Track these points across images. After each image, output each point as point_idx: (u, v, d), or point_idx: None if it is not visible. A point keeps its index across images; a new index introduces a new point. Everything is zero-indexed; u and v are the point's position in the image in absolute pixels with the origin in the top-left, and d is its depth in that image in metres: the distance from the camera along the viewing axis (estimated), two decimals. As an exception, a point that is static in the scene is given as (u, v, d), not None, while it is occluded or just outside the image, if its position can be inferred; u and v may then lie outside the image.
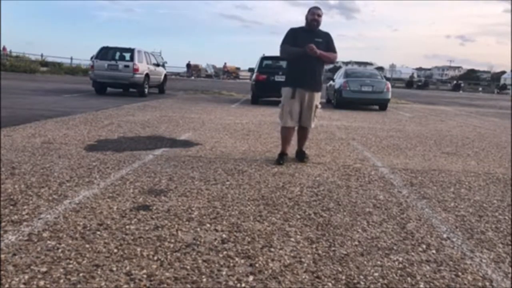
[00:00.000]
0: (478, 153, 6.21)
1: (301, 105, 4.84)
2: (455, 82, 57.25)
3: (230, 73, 49.29)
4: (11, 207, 2.90)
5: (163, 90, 16.92)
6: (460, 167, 5.10)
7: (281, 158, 4.84)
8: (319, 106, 5.02)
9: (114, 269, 2.12)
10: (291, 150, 5.18)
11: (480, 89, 56.55)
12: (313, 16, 4.75)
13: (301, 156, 4.96)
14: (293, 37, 4.81)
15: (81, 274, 2.05)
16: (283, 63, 10.13)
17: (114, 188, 3.47)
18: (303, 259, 2.35)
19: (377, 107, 14.13)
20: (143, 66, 14.38)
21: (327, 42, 4.85)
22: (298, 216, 3.05)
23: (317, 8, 4.82)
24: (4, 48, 32.33)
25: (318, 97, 4.94)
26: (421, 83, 55.43)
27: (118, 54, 14.63)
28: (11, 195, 3.15)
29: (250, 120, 8.96)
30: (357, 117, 10.86)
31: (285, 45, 4.83)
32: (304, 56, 4.65)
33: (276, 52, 5.15)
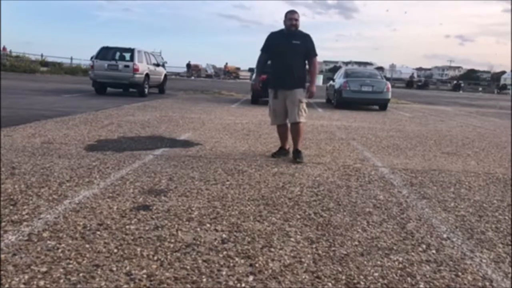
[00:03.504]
0: (478, 153, 6.21)
1: (285, 103, 4.99)
2: (455, 82, 57.27)
3: (230, 73, 49.29)
4: (11, 207, 2.90)
5: (163, 90, 16.92)
6: (460, 167, 5.10)
7: (276, 153, 5.16)
8: (304, 101, 5.04)
9: (114, 269, 2.12)
10: (291, 149, 5.19)
11: (480, 89, 56.52)
12: (291, 21, 4.91)
13: (295, 155, 4.91)
14: (270, 42, 5.06)
15: (81, 274, 2.05)
16: None
17: (114, 188, 3.47)
18: (303, 259, 2.35)
19: (377, 107, 14.13)
20: (143, 66, 14.38)
21: (305, 44, 4.95)
22: (298, 216, 3.05)
23: (292, 12, 4.96)
24: (4, 48, 32.31)
25: (301, 93, 4.99)
26: (421, 83, 55.44)
27: (118, 54, 14.63)
28: (11, 195, 3.15)
29: (250, 120, 8.96)
30: (357, 117, 10.86)
31: (259, 57, 5.17)
32: (283, 56, 4.90)
33: None
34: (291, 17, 4.91)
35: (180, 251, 2.37)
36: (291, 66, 4.90)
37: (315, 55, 5.06)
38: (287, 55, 4.91)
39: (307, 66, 5.11)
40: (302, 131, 5.14)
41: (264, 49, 5.11)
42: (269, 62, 5.23)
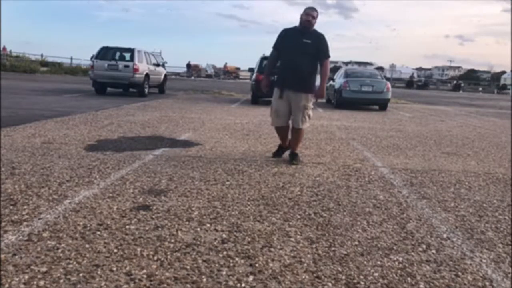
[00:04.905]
0: (478, 153, 6.21)
1: (290, 105, 4.84)
2: (455, 82, 57.24)
3: (230, 73, 49.30)
4: (11, 207, 2.90)
5: (163, 90, 16.92)
6: (460, 167, 5.10)
7: (277, 152, 5.13)
8: (310, 106, 4.86)
9: (114, 269, 2.12)
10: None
11: (480, 89, 56.53)
12: (307, 17, 4.69)
13: (291, 158, 4.84)
14: (281, 39, 4.88)
15: (81, 274, 2.05)
16: None
17: (114, 188, 3.47)
18: (303, 259, 2.35)
19: (377, 107, 14.13)
20: (143, 66, 14.38)
21: (317, 45, 4.72)
22: (298, 216, 3.05)
23: (312, 9, 4.76)
24: (4, 48, 32.31)
25: (306, 98, 4.79)
26: (421, 83, 55.43)
27: (118, 54, 14.64)
28: (11, 195, 3.15)
29: (250, 120, 8.96)
30: (357, 117, 10.86)
31: (270, 54, 5.04)
32: (290, 54, 4.74)
33: None
34: (307, 13, 4.68)
35: (180, 251, 2.37)
36: (297, 65, 4.70)
37: (327, 57, 4.81)
38: (295, 53, 4.71)
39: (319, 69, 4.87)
40: (302, 136, 5.06)
41: (275, 46, 4.91)
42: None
